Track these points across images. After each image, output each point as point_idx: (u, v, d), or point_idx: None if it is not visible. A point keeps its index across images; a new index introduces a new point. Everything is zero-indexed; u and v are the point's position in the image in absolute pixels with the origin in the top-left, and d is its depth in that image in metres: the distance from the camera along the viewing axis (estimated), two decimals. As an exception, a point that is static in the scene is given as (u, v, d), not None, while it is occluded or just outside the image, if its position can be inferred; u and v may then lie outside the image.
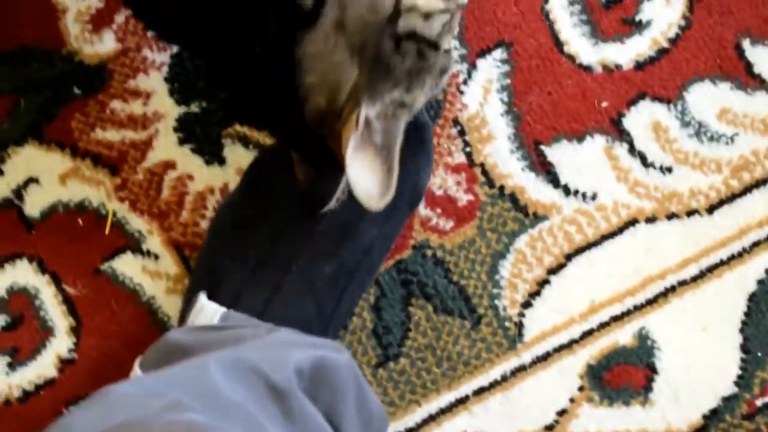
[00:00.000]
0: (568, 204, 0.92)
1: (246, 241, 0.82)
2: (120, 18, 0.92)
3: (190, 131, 0.92)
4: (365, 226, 0.83)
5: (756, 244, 0.92)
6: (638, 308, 0.91)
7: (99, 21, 0.92)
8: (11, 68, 0.92)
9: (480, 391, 0.91)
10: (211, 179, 0.92)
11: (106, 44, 0.92)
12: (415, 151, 0.85)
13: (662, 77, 0.93)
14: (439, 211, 0.92)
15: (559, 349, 0.91)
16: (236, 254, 0.82)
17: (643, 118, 0.92)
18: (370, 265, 0.85)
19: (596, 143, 0.92)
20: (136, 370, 0.76)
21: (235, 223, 0.84)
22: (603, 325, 0.91)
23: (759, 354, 0.90)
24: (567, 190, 0.92)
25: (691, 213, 0.92)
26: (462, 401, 0.91)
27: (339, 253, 0.82)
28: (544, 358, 0.91)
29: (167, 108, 0.92)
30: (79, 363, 0.91)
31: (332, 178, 0.75)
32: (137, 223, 0.92)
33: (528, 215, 0.92)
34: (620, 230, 0.92)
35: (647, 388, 0.91)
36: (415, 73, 0.65)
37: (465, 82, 0.92)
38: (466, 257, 0.91)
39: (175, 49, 0.92)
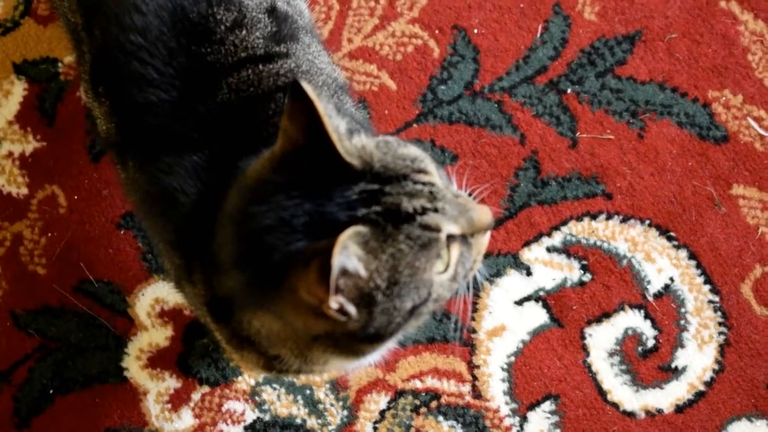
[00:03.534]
0: None
1: None
2: (196, 396, 1.00)
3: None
4: None
5: None
6: None
7: (177, 400, 1.00)
8: (100, 453, 0.99)
9: None
10: None
11: (185, 421, 1.00)
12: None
13: (701, 418, 0.99)
14: None
15: None
16: None
17: (687, 459, 0.99)
18: None
19: (645, 485, 0.99)
20: None
21: None
22: None
23: None
24: None
25: None
26: None
27: None
28: None
29: (244, 478, 0.99)
30: None
31: None
32: None
33: None
34: None
35: None
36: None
37: (518, 434, 1.00)
38: None
39: (248, 420, 1.00)
